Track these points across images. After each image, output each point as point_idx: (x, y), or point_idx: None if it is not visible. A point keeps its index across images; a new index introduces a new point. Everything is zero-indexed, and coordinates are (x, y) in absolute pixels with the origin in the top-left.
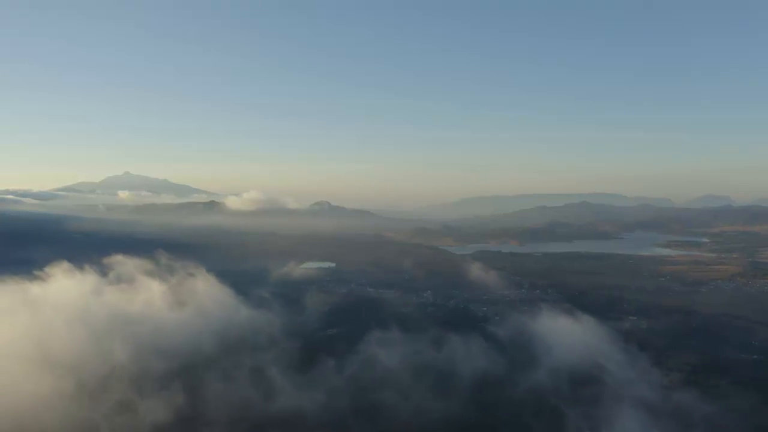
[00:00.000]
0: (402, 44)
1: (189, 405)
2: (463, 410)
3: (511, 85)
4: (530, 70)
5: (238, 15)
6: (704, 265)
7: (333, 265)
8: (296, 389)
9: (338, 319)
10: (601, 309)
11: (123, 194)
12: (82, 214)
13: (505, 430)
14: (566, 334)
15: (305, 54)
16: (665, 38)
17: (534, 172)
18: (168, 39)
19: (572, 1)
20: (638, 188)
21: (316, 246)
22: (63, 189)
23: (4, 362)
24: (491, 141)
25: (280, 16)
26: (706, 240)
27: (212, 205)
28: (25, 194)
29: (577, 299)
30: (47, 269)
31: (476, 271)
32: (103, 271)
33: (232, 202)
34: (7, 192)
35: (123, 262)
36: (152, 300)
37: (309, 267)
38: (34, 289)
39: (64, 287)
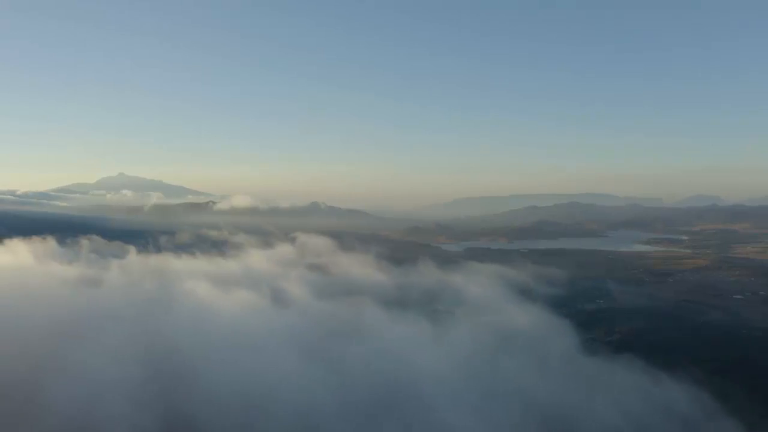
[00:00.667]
0: (394, 47)
1: None
2: None
3: (503, 87)
4: (522, 72)
5: (235, 16)
6: (676, 259)
7: None
8: None
9: None
10: (574, 295)
11: (117, 195)
12: (75, 214)
13: None
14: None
15: (302, 56)
16: (656, 41)
17: (526, 173)
18: (165, 41)
19: (560, 3)
20: (629, 189)
21: None
22: (57, 190)
23: None
24: (483, 142)
25: (277, 19)
26: (685, 237)
27: (207, 206)
28: (12, 194)
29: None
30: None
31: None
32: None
33: (227, 203)
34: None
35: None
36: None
37: None
38: None
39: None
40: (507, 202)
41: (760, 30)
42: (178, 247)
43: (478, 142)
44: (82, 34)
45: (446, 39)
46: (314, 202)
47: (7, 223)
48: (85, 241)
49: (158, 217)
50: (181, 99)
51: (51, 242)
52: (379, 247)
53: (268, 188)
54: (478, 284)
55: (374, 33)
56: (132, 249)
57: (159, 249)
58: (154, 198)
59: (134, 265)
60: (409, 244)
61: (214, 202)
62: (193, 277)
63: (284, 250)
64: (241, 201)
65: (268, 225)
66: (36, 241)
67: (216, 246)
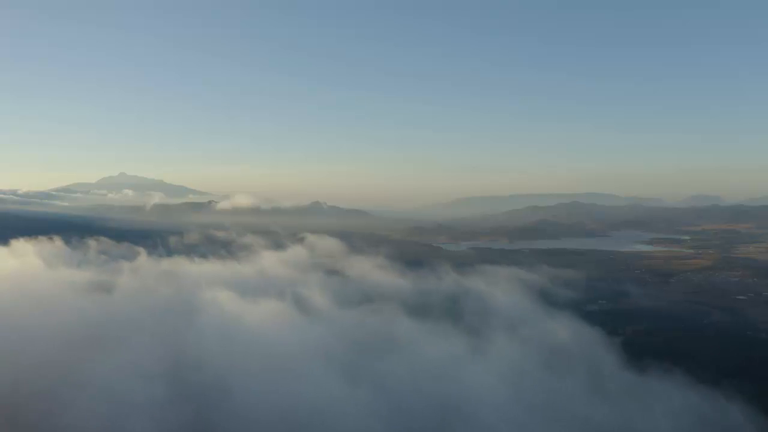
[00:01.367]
0: (395, 47)
1: None
2: None
3: (504, 87)
4: (525, 72)
5: (237, 16)
6: (678, 259)
7: None
8: None
9: None
10: (577, 295)
11: (118, 194)
12: (78, 214)
13: None
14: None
15: (302, 56)
16: (659, 40)
17: (527, 173)
18: (165, 41)
19: (560, 3)
20: (631, 188)
21: None
22: (59, 189)
23: None
24: (484, 142)
25: (278, 18)
26: (687, 237)
27: (208, 205)
28: (14, 194)
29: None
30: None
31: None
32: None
33: (228, 202)
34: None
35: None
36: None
37: None
38: None
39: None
40: (508, 201)
41: (761, 29)
42: (187, 249)
43: (479, 141)
44: (83, 34)
45: (447, 39)
46: (316, 202)
47: (11, 223)
48: (92, 242)
49: (160, 217)
50: (181, 98)
51: (58, 243)
52: (388, 248)
53: (268, 188)
54: (500, 289)
55: (375, 33)
56: (142, 251)
57: (169, 250)
58: (156, 198)
59: (146, 268)
60: (417, 244)
61: (215, 202)
62: (209, 283)
63: (296, 252)
64: (242, 200)
65: (272, 225)
66: (43, 241)
67: (225, 247)
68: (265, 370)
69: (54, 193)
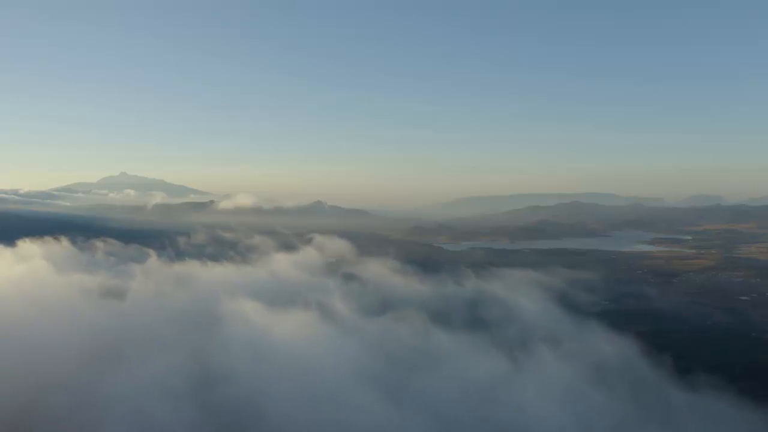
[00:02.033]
0: (397, 46)
1: None
2: None
3: (504, 87)
4: (525, 72)
5: (237, 16)
6: (681, 259)
7: None
8: None
9: None
10: (579, 296)
11: (120, 194)
12: (80, 213)
13: None
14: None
15: (301, 56)
16: (659, 40)
17: (527, 173)
18: (165, 41)
19: (560, 3)
20: (632, 188)
21: None
22: (60, 189)
23: None
24: (485, 142)
25: (278, 18)
26: (688, 237)
27: (210, 205)
28: (15, 193)
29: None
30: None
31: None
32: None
33: (230, 202)
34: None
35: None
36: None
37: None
38: None
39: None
40: (508, 201)
41: (761, 29)
42: (195, 250)
43: (479, 141)
44: (83, 34)
45: (447, 39)
46: (318, 201)
47: (13, 223)
48: (99, 244)
49: (162, 217)
50: (181, 98)
51: (65, 244)
52: (394, 249)
53: (268, 188)
54: (520, 294)
55: (375, 33)
56: (151, 253)
57: (178, 252)
58: (157, 197)
59: (157, 272)
60: (418, 245)
61: (216, 202)
62: (225, 289)
63: (307, 254)
64: (244, 200)
65: (276, 225)
66: (49, 242)
67: (233, 248)
68: (301, 390)
69: (55, 192)
